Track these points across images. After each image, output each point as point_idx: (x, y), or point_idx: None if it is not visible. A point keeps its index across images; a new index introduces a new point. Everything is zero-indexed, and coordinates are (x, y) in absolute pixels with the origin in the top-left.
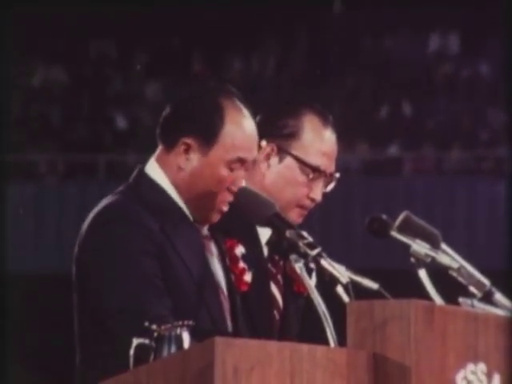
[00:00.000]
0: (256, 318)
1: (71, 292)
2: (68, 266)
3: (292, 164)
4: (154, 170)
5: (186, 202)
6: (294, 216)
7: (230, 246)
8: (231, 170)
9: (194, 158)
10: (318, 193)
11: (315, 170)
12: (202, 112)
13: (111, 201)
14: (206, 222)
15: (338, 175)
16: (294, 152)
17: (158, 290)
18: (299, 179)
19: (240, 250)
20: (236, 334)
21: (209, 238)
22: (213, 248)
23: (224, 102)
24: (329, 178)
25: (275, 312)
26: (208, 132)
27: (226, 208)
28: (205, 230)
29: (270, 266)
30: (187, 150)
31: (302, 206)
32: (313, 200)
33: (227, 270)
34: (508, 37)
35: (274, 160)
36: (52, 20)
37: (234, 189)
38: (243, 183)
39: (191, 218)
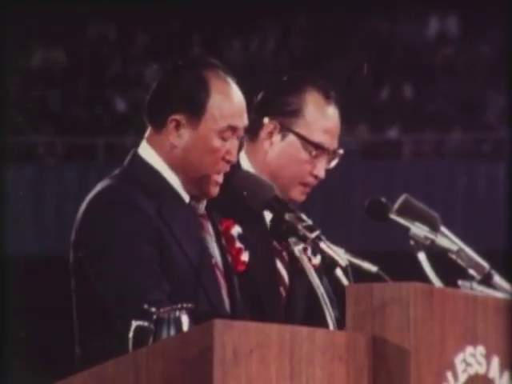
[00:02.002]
0: (262, 296)
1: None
2: (68, 248)
3: (295, 141)
4: (146, 151)
5: (183, 180)
6: (297, 194)
7: (226, 226)
8: (223, 139)
9: (185, 134)
10: (321, 170)
11: (318, 147)
12: (187, 87)
13: (106, 185)
14: (205, 196)
15: (341, 151)
16: (297, 129)
17: (155, 276)
18: (302, 156)
19: (236, 229)
20: (234, 314)
21: (205, 217)
22: (209, 227)
23: (207, 73)
24: (332, 154)
25: (281, 289)
26: (195, 105)
27: (221, 179)
28: (201, 209)
29: (275, 243)
30: (177, 126)
31: (304, 184)
32: (316, 177)
33: (223, 250)
34: (508, 18)
35: (277, 137)
36: (51, 1)
37: (229, 158)
38: (237, 152)
39: (187, 199)
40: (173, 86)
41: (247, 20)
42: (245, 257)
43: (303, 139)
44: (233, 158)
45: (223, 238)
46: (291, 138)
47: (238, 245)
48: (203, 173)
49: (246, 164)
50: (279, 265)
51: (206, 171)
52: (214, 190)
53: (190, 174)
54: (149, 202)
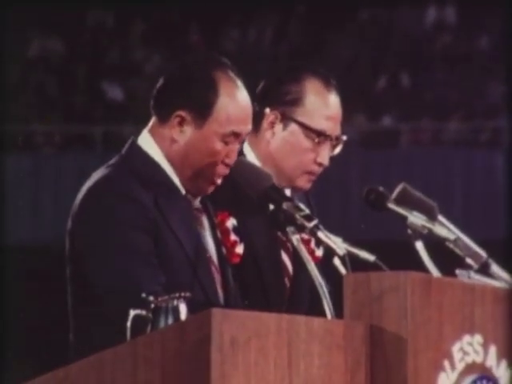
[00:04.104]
0: (267, 287)
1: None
2: (65, 238)
3: (297, 130)
4: (146, 142)
5: (180, 175)
6: (303, 182)
7: (221, 219)
8: (225, 143)
9: (188, 131)
10: (324, 157)
11: (320, 134)
12: (196, 85)
13: (103, 175)
14: (200, 194)
15: (344, 138)
16: (299, 118)
17: (151, 267)
18: (305, 145)
19: (231, 222)
20: (228, 306)
21: (201, 211)
22: (204, 221)
23: (218, 74)
24: (335, 141)
25: (286, 280)
26: (202, 105)
27: (219, 181)
28: (197, 203)
29: (279, 234)
30: (181, 122)
31: (309, 172)
32: (320, 164)
33: (218, 243)
34: (506, 6)
35: (279, 127)
36: None
37: (229, 162)
38: (236, 156)
39: (183, 191)
40: (182, 82)
41: (245, 8)
42: (239, 249)
43: (305, 127)
44: (232, 162)
45: (218, 230)
46: (293, 126)
47: (233, 237)
48: (200, 173)
49: (250, 155)
50: (284, 256)
51: (203, 172)
52: (209, 189)
53: (188, 171)
54: (146, 192)
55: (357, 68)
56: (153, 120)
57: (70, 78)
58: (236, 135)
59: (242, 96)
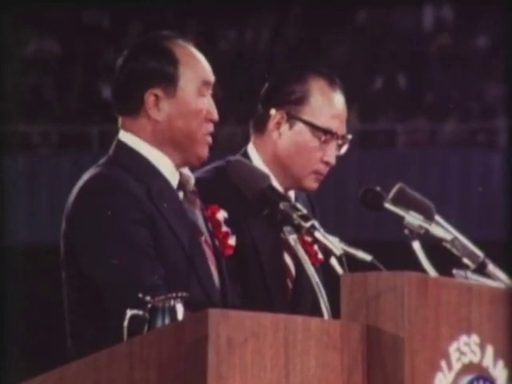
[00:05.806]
0: (271, 287)
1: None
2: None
3: (303, 129)
4: (128, 137)
5: (172, 153)
6: (310, 182)
7: (211, 211)
8: (203, 96)
9: (165, 105)
10: (331, 155)
11: (327, 132)
12: (155, 61)
13: (95, 173)
14: (198, 159)
15: (349, 136)
16: (305, 117)
17: (150, 260)
18: (311, 144)
19: (222, 214)
20: (225, 299)
21: (195, 194)
22: (199, 203)
23: (169, 44)
24: (341, 140)
25: (288, 281)
26: (168, 76)
27: (210, 139)
28: (191, 186)
29: (282, 235)
30: (156, 101)
31: (316, 172)
32: (327, 163)
33: (211, 235)
34: (504, 7)
35: (285, 127)
36: None
37: (212, 117)
38: (216, 110)
39: (174, 183)
40: (140, 67)
41: (242, 9)
42: (232, 241)
43: (311, 125)
44: (215, 117)
45: (209, 222)
46: (299, 126)
47: (225, 229)
48: (192, 136)
49: (255, 157)
50: (286, 257)
51: (193, 134)
52: (204, 151)
53: (179, 142)
54: (138, 186)
55: (353, 68)
56: (121, 118)
57: (67, 78)
58: (207, 84)
59: (198, 54)
